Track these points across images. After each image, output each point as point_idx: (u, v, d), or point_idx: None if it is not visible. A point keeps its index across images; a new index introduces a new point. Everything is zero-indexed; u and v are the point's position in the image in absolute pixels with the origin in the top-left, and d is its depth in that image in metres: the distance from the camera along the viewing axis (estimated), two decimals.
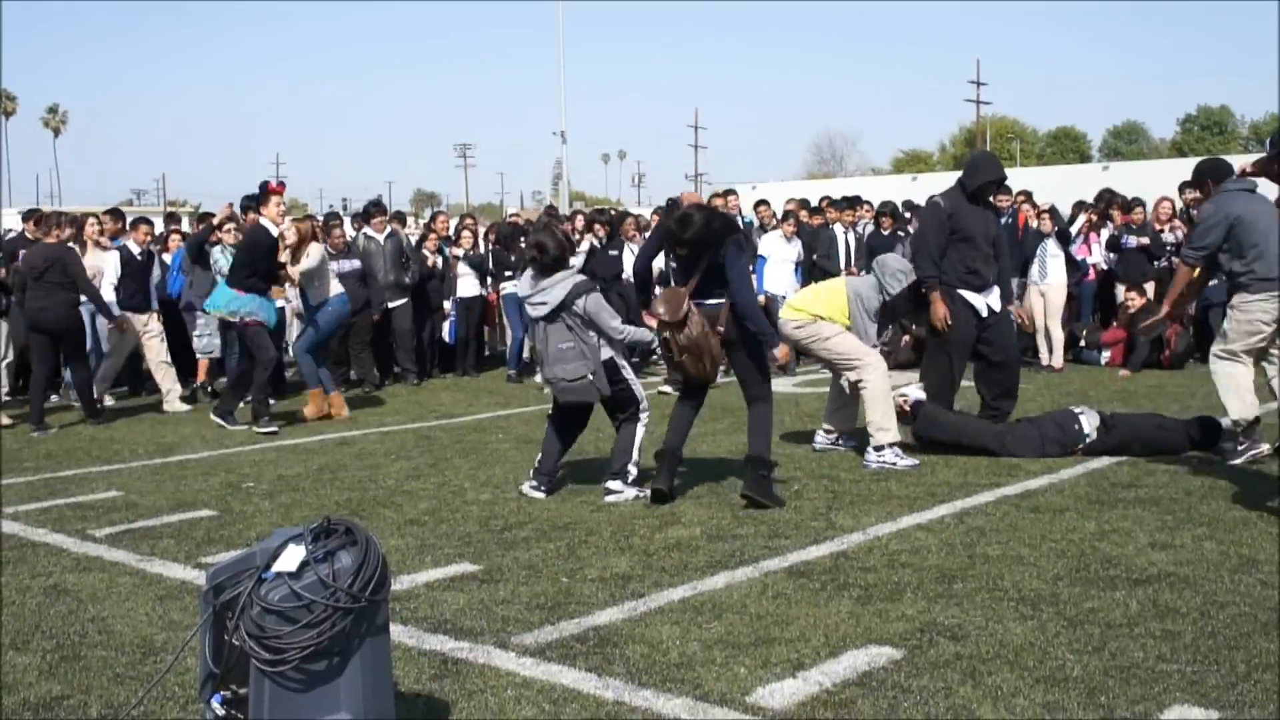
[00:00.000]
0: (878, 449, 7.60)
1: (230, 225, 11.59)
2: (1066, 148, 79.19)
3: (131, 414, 10.97)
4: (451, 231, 14.68)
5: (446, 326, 13.95)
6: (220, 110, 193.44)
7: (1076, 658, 4.07)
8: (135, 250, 11.37)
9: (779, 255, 13.35)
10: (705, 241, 6.50)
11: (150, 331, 11.26)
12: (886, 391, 7.68)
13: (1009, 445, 7.77)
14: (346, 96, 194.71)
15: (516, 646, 4.34)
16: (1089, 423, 7.79)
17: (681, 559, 5.46)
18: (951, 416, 8.14)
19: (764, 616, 4.59)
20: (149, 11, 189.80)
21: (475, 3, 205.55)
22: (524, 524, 6.25)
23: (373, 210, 13.67)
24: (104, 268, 11.27)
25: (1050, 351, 12.92)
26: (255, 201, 12.12)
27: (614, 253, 13.40)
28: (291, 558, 3.24)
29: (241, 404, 10.15)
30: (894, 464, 7.53)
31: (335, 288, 10.67)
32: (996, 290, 8.37)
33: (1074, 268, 13.41)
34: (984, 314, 8.26)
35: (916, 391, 8.13)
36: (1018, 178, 26.50)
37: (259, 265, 9.93)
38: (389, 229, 13.18)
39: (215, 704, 3.29)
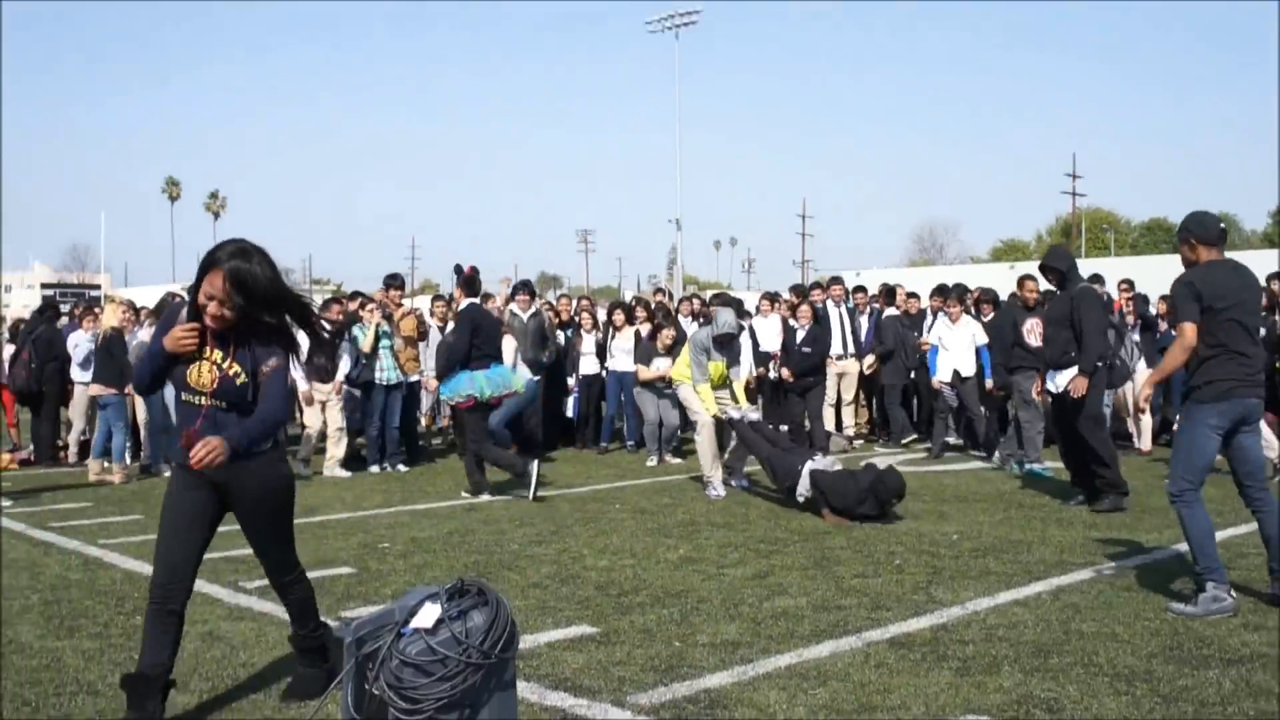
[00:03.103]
0: (706, 482, 10.08)
1: (371, 305, 12.34)
2: (1159, 238, 78.72)
3: None
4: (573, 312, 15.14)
5: (570, 402, 14.41)
6: (362, 197, 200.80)
7: None
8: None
9: (949, 341, 12.95)
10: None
11: (333, 402, 12.06)
12: (710, 440, 10.03)
13: (765, 466, 9.60)
14: (478, 184, 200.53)
15: (632, 705, 4.57)
16: (804, 479, 8.88)
17: (788, 627, 5.67)
18: (749, 434, 9.91)
19: (866, 685, 4.75)
20: (300, 111, 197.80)
21: (599, 83, 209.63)
22: (639, 590, 6.52)
23: (520, 289, 13.96)
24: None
25: (1139, 435, 13.43)
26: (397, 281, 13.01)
27: None
28: (428, 615, 3.51)
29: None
30: (709, 495, 9.90)
31: None
32: (1064, 372, 9.41)
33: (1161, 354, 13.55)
34: (1050, 389, 9.63)
35: (734, 412, 10.06)
36: (1112, 267, 27.37)
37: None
38: (533, 308, 13.53)
39: None
